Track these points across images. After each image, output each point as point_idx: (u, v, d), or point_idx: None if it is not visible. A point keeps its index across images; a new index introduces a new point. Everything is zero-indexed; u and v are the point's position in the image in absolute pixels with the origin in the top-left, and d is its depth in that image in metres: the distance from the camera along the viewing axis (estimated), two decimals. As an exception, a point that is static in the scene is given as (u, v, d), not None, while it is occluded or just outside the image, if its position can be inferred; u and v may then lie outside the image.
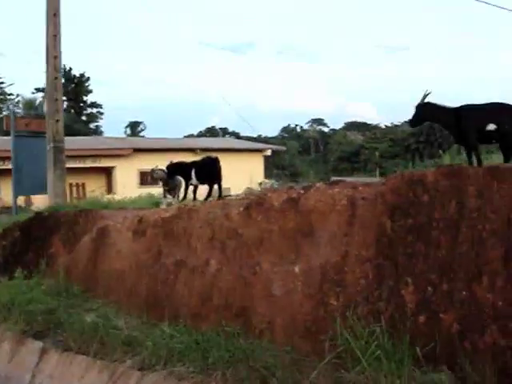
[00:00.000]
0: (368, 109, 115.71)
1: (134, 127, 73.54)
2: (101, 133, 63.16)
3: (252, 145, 36.18)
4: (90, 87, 65.04)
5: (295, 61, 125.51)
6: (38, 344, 6.71)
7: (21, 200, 19.09)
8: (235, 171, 20.60)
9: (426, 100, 6.05)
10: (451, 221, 4.79)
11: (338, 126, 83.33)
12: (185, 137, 57.59)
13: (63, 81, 18.12)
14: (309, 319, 5.40)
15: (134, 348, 5.89)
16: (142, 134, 70.15)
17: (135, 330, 6.25)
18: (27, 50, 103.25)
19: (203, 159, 10.68)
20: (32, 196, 20.11)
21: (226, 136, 63.10)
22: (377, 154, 45.51)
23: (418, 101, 6.07)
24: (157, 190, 23.99)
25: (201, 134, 70.11)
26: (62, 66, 15.76)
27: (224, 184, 10.87)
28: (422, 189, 5.05)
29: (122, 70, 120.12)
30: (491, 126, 5.76)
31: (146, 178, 28.98)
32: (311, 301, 5.44)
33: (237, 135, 62.37)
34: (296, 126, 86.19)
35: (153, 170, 12.16)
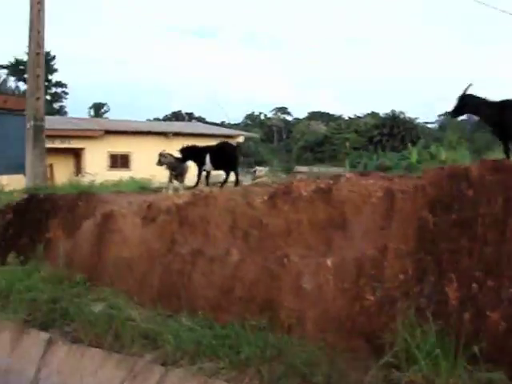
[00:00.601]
0: (331, 99, 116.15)
1: (98, 108, 71.78)
2: (65, 113, 61.46)
3: (225, 131, 35.72)
4: (55, 66, 63.00)
5: (260, 49, 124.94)
6: (44, 335, 6.27)
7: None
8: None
9: (468, 92, 5.92)
10: (498, 217, 4.66)
11: (302, 115, 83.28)
12: (148, 120, 56.78)
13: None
14: (343, 315, 5.21)
15: (153, 341, 5.59)
16: (105, 115, 68.60)
17: (150, 322, 5.91)
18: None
19: (219, 144, 10.41)
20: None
21: (193, 121, 62.20)
22: (347, 144, 45.73)
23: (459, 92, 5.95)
24: (129, 174, 23.54)
25: (166, 118, 69.11)
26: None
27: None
28: (466, 183, 4.91)
29: (85, 50, 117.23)
30: None
31: (116, 161, 28.41)
32: (345, 295, 5.24)
33: (203, 120, 61.59)
34: (260, 113, 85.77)
35: (161, 154, 11.69)
